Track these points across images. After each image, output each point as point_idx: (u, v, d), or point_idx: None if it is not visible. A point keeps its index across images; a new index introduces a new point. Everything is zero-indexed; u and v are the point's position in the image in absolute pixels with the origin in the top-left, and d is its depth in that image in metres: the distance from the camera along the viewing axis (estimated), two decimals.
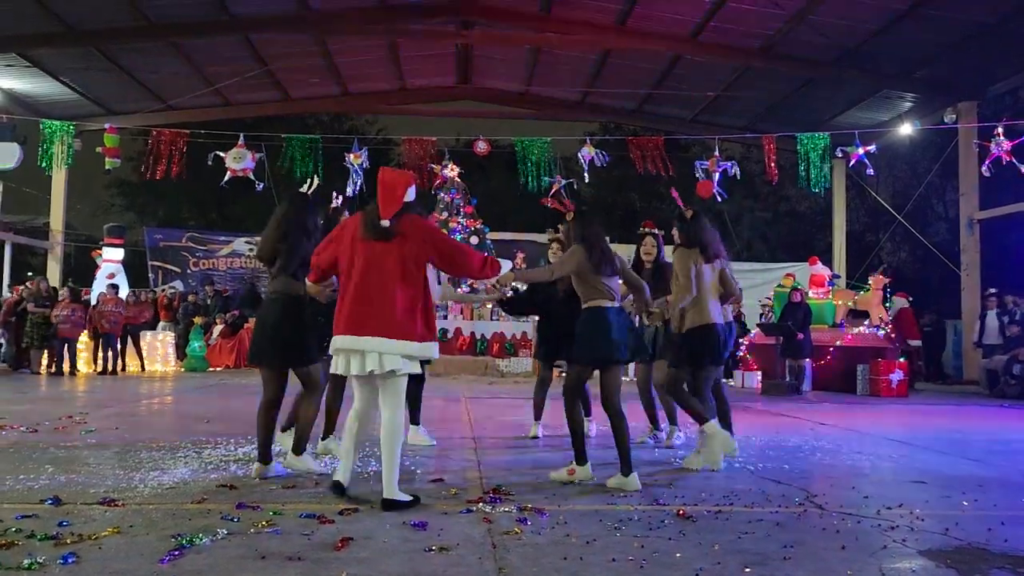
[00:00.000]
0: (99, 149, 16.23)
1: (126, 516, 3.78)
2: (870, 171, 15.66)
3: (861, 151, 15.15)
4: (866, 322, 13.67)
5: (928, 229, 23.23)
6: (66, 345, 13.78)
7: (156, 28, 15.45)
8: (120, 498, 4.11)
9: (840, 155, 16.22)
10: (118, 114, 18.83)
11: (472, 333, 16.68)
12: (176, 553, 3.19)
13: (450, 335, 16.52)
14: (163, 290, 18.39)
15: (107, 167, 16.49)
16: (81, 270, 19.90)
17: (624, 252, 6.58)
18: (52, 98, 18.20)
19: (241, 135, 15.67)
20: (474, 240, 18.43)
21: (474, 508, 4.11)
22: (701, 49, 16.44)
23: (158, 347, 15.72)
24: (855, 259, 20.78)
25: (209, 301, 16.95)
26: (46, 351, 14.22)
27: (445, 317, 16.79)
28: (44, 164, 16.20)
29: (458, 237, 18.33)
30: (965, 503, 4.49)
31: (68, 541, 3.31)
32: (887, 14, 13.95)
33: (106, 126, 16.74)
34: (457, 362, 15.76)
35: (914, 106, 17.59)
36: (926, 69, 15.91)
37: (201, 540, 3.37)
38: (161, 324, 16.35)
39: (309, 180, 5.30)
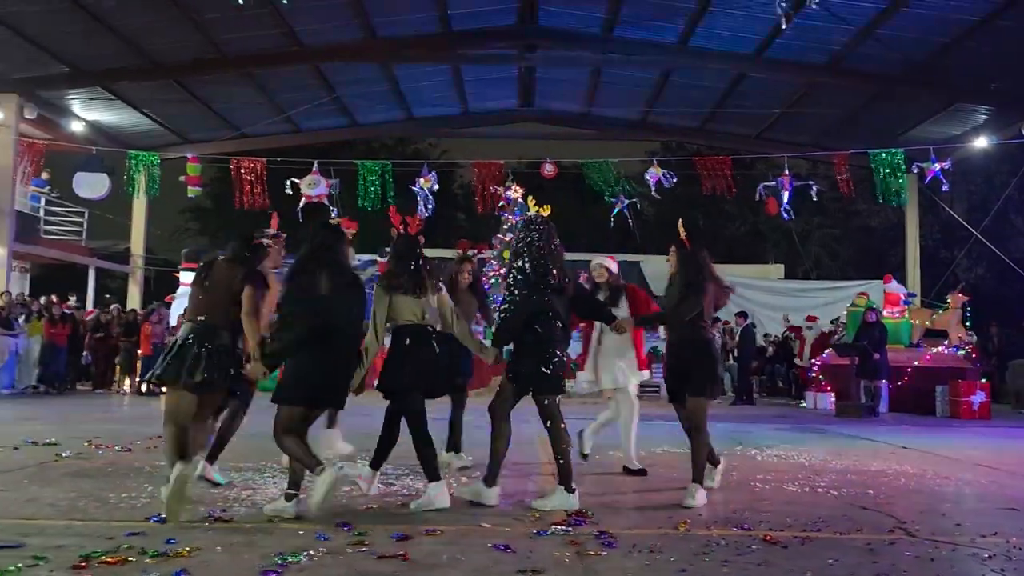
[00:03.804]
0: (182, 178, 16.91)
1: (227, 534, 3.93)
2: (946, 187, 15.28)
3: (937, 167, 14.78)
4: (945, 342, 13.29)
5: (1007, 244, 22.41)
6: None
7: (231, 60, 16.08)
8: (219, 516, 4.28)
9: (916, 171, 15.85)
10: (194, 143, 19.59)
11: None
12: (281, 568, 3.33)
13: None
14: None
15: (189, 195, 17.16)
16: (160, 294, 20.59)
17: None
18: (133, 128, 19.03)
19: (315, 162, 16.11)
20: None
21: (559, 530, 4.15)
22: (766, 66, 16.35)
23: None
24: (929, 276, 20.20)
25: None
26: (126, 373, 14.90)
27: None
28: (131, 190, 16.92)
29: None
30: None
31: (177, 557, 3.47)
32: (958, 26, 13.65)
33: (188, 155, 17.42)
34: None
35: (988, 119, 17.11)
36: (1000, 81, 15.47)
37: (299, 559, 3.49)
38: None
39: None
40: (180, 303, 16.84)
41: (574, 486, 4.75)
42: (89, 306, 18.57)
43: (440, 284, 5.12)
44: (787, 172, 16.22)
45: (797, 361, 16.20)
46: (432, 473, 4.68)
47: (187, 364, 4.52)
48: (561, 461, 4.78)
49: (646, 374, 6.47)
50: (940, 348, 13.27)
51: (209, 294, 4.75)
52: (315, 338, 4.42)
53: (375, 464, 5.04)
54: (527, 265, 4.82)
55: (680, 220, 5.54)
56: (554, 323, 4.83)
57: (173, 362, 4.58)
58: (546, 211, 5.47)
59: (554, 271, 4.84)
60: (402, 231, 5.09)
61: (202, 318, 4.70)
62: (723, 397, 15.38)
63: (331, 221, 5.23)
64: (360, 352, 4.74)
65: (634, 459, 6.22)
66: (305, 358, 4.44)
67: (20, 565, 3.29)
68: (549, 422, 4.85)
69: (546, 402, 4.85)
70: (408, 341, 4.78)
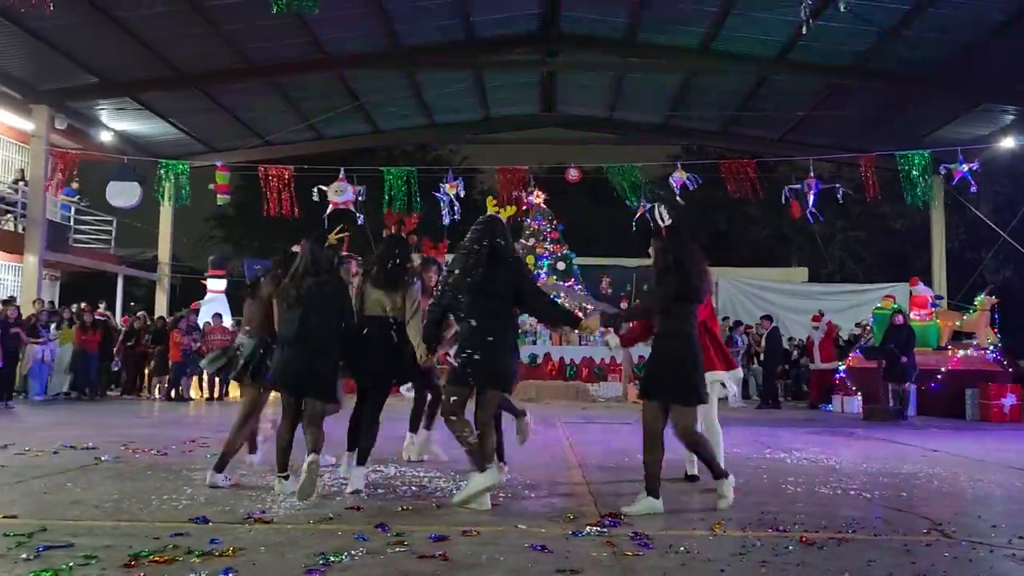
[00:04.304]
0: (211, 186, 17.14)
1: (269, 535, 4.01)
2: (974, 189, 15.14)
3: (964, 168, 14.64)
4: (974, 344, 13.16)
5: None
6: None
7: (256, 69, 16.28)
8: (259, 518, 4.36)
9: (943, 172, 15.72)
10: (219, 151, 19.84)
11: (561, 358, 16.76)
12: (324, 567, 3.40)
13: (539, 360, 16.64)
14: None
15: (219, 203, 17.39)
16: (185, 301, 20.87)
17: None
18: (160, 138, 19.33)
19: (342, 169, 16.27)
20: (561, 266, 18.57)
21: (594, 531, 4.18)
22: (789, 69, 16.31)
23: None
24: (955, 278, 20.01)
25: None
26: (156, 378, 15.11)
27: (535, 342, 16.94)
28: (160, 196, 17.19)
29: (545, 263, 18.51)
30: None
31: (223, 556, 3.55)
32: (985, 26, 13.55)
33: (217, 164, 17.66)
34: (548, 387, 15.85)
35: (1016, 119, 16.92)
36: None
37: (341, 558, 3.55)
38: None
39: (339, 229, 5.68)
40: (208, 308, 17.11)
41: (487, 465, 4.75)
42: (118, 313, 18.82)
43: (414, 279, 5.56)
44: (812, 174, 16.13)
45: (810, 365, 15.68)
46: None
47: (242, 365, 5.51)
48: (467, 448, 4.83)
49: (720, 374, 5.71)
50: (969, 351, 13.14)
51: (254, 307, 5.61)
52: (282, 341, 5.18)
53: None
54: (451, 261, 4.98)
55: (657, 206, 5.24)
56: (467, 322, 4.88)
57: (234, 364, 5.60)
58: (506, 213, 5.50)
59: (462, 270, 4.89)
60: (393, 231, 5.55)
61: (248, 328, 5.64)
62: (749, 401, 15.34)
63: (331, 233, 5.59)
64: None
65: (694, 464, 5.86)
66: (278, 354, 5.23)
67: (72, 564, 3.38)
68: (452, 416, 4.84)
69: (451, 398, 4.86)
70: (367, 331, 5.39)
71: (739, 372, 5.85)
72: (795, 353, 17.54)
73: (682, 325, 4.86)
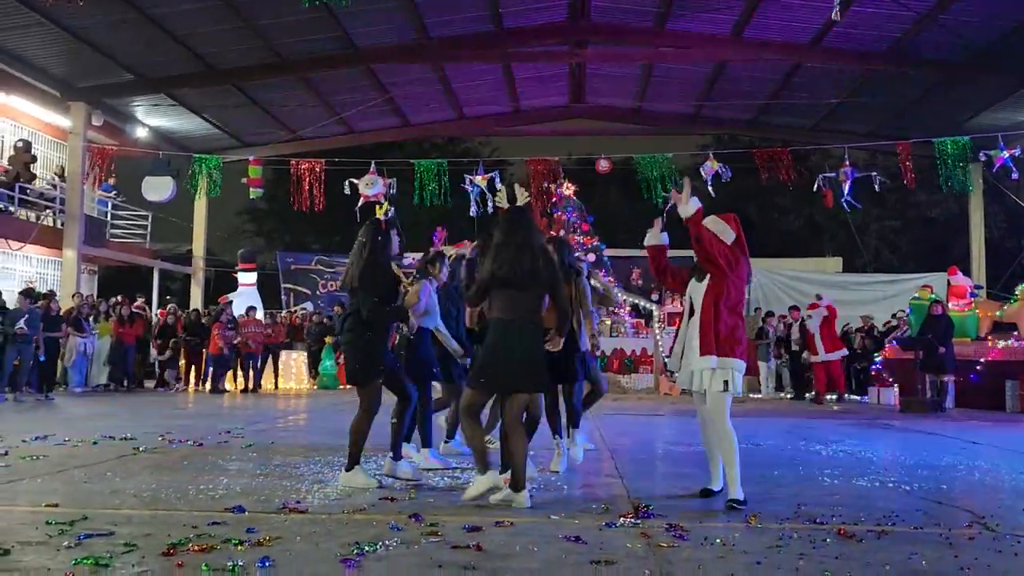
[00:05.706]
0: (244, 180, 17.37)
1: (304, 524, 4.04)
2: (1015, 175, 14.79)
3: (1005, 154, 14.31)
4: (1014, 335, 12.87)
5: None
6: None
7: (288, 64, 16.42)
8: (294, 508, 4.39)
9: (983, 159, 15.37)
10: (251, 146, 20.05)
11: None
12: (359, 557, 3.41)
13: None
14: (294, 311, 19.26)
15: (252, 196, 17.62)
16: (220, 294, 21.13)
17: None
18: (193, 134, 19.58)
19: (372, 163, 16.37)
20: (591, 257, 18.47)
21: (628, 523, 4.16)
22: (822, 56, 16.06)
23: (292, 366, 16.53)
24: (994, 267, 19.58)
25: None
26: (194, 368, 15.34)
27: None
28: (193, 190, 17.47)
29: (577, 254, 18.45)
30: None
31: (260, 545, 3.58)
32: None
33: (250, 158, 17.88)
34: None
35: None
36: None
37: (375, 548, 3.56)
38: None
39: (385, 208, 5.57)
40: (240, 302, 17.28)
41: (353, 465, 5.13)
42: (154, 306, 19.13)
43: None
44: (847, 162, 15.86)
45: (812, 357, 14.21)
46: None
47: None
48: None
49: (710, 360, 4.74)
50: (1010, 341, 12.84)
51: None
52: None
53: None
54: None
55: (505, 185, 4.98)
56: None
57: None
58: (381, 211, 5.43)
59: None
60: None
61: None
62: (782, 393, 15.14)
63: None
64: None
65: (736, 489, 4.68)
66: None
67: (112, 552, 3.43)
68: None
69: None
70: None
71: (713, 360, 4.75)
72: (794, 346, 15.51)
73: (493, 312, 4.70)
